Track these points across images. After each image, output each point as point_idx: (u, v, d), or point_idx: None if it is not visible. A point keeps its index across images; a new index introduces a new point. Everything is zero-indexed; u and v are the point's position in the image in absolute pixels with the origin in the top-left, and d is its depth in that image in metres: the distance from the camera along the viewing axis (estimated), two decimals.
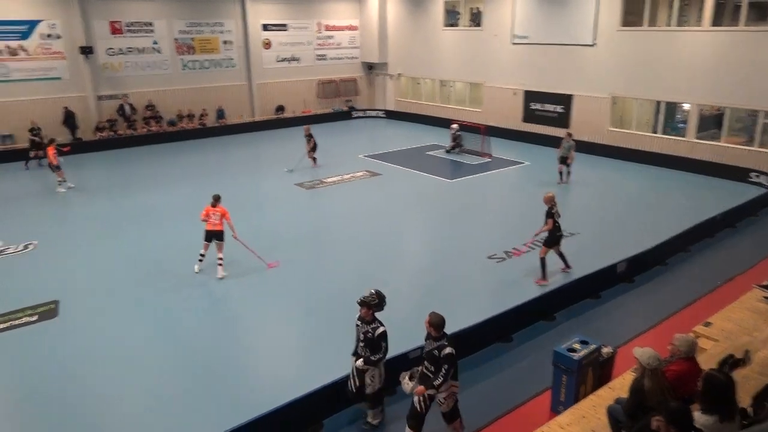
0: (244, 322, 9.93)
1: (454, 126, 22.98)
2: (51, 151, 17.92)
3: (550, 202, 10.62)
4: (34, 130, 21.35)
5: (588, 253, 12.33)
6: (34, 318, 10.01)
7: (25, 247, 13.31)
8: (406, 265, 12.36)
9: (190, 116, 26.97)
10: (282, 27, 29.64)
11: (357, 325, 6.80)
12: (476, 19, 26.99)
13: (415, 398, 6.42)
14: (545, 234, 10.93)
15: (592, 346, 7.13)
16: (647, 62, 20.38)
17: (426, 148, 23.84)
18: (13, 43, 22.81)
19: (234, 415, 6.86)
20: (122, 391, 8.00)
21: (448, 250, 12.98)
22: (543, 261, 10.94)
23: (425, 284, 11.39)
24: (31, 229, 14.48)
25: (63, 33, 23.69)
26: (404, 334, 7.86)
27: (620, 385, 6.60)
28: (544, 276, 10.95)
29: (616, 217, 15.08)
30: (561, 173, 17.82)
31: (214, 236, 11.35)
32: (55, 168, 17.91)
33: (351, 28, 32.06)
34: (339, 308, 10.05)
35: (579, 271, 10.86)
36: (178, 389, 8.02)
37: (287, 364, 8.81)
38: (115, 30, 24.94)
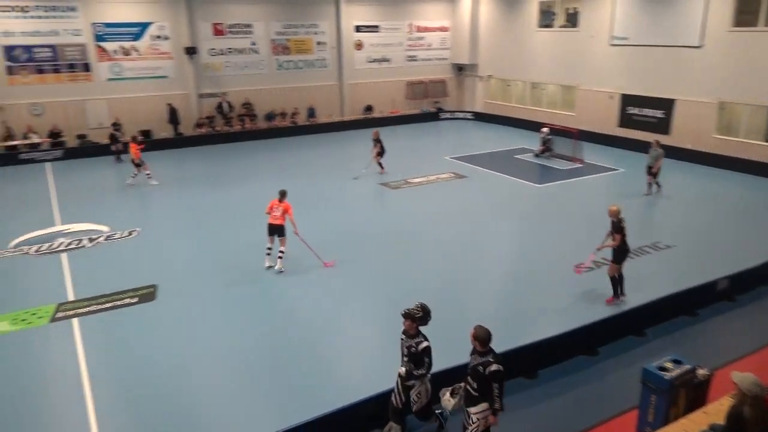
0: (323, 316, 10.13)
1: (545, 129, 22.36)
2: (134, 147, 18.73)
3: (616, 215, 9.85)
4: (116, 125, 22.77)
5: (685, 267, 11.63)
6: (135, 300, 10.72)
7: (130, 233, 14.29)
8: (488, 269, 12.16)
9: (283, 114, 27.93)
10: (374, 28, 30.05)
11: (401, 339, 6.58)
12: (572, 20, 26.11)
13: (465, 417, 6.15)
14: (608, 250, 10.14)
15: (686, 367, 6.69)
16: (762, 65, 18.90)
17: (514, 151, 23.36)
18: (127, 44, 24.58)
19: (312, 406, 7.01)
20: (205, 374, 8.40)
21: (533, 257, 12.64)
22: (615, 279, 10.16)
23: (508, 290, 11.15)
24: (135, 217, 15.52)
25: (171, 34, 25.25)
26: None
27: (716, 411, 6.15)
28: (620, 292, 10.21)
29: (718, 230, 14.08)
30: (650, 184, 16.76)
31: (275, 231, 11.71)
32: (140, 163, 18.75)
33: (442, 29, 31.98)
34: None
35: (674, 285, 10.23)
36: (256, 376, 8.32)
37: (370, 359, 8.90)
38: (218, 31, 26.27)
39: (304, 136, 27.09)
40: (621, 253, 9.99)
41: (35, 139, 23.08)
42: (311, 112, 28.59)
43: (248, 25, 26.84)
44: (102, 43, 24.14)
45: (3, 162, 21.98)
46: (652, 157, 16.55)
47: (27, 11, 22.67)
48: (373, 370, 8.40)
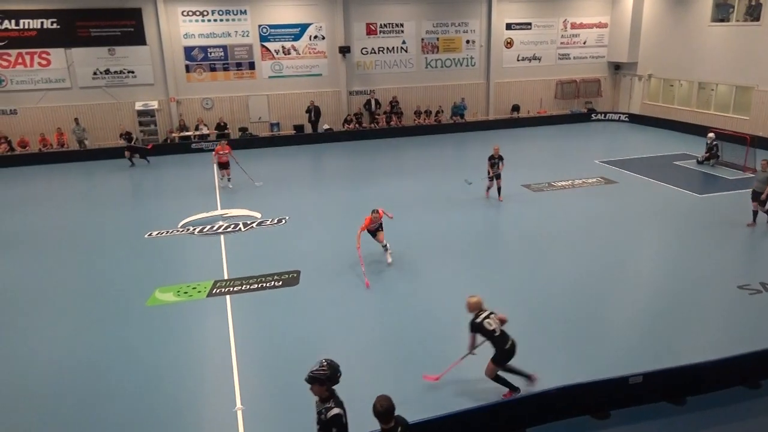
0: (452, 313, 10.05)
1: (711, 134, 20.29)
2: (221, 149, 18.33)
3: (474, 308, 7.50)
4: (126, 134, 22.61)
5: None
6: (279, 283, 11.45)
7: (279, 221, 15.29)
8: (632, 283, 11.30)
9: (427, 112, 28.22)
10: (526, 26, 29.26)
11: (316, 402, 5.53)
12: (754, 13, 23.39)
13: None
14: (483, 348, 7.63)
15: None
16: None
17: (674, 157, 21.50)
18: (287, 44, 26.31)
19: (429, 405, 7.00)
20: (338, 356, 8.70)
21: (688, 273, 11.52)
22: (498, 379, 7.56)
23: (655, 307, 10.29)
24: (285, 206, 16.54)
25: (327, 34, 26.59)
26: (629, 357, 7.21)
27: None
28: (511, 387, 7.58)
29: None
30: (756, 212, 13.94)
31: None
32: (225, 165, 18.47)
33: (600, 25, 30.27)
34: (547, 315, 9.65)
35: None
36: (383, 364, 8.49)
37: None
38: (370, 31, 27.17)
39: (448, 135, 27.15)
40: (499, 353, 7.42)
41: (205, 131, 25.54)
42: (455, 111, 28.55)
43: (400, 25, 27.45)
44: (266, 43, 26.06)
45: (177, 150, 24.59)
46: (760, 181, 13.75)
47: (205, 15, 25.12)
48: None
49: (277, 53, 26.30)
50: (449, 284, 11.24)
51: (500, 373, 7.51)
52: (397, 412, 5.18)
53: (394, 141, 26.12)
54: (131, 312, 10.46)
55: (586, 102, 30.85)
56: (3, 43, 23.25)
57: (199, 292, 11.17)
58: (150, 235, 14.47)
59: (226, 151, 18.51)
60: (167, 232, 14.67)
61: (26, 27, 23.40)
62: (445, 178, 18.95)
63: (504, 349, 7.34)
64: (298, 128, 26.76)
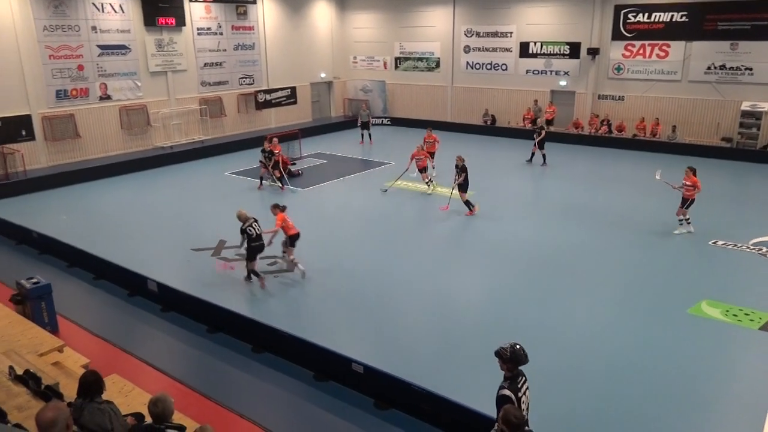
0: None
1: None
2: None
3: (242, 217, 10.99)
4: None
5: None
6: None
7: None
8: None
9: None
10: None
11: None
12: None
13: None
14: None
15: None
16: None
17: None
18: None
19: None
20: None
21: None
22: (253, 273, 11.33)
23: None
24: None
25: None
26: None
27: None
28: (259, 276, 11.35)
29: None
30: None
31: None
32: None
33: None
34: None
35: None
36: None
37: None
38: None
39: None
40: (251, 249, 11.11)
41: None
42: None
43: None
44: None
45: None
46: None
47: None
48: None
49: None
50: None
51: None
52: None
53: None
54: (670, 313, 10.17)
55: None
56: (631, 35, 25.15)
57: (752, 320, 9.85)
58: (714, 243, 13.49)
59: None
60: (734, 245, 13.34)
61: (656, 20, 24.52)
62: None
63: (252, 246, 10.94)
64: None
